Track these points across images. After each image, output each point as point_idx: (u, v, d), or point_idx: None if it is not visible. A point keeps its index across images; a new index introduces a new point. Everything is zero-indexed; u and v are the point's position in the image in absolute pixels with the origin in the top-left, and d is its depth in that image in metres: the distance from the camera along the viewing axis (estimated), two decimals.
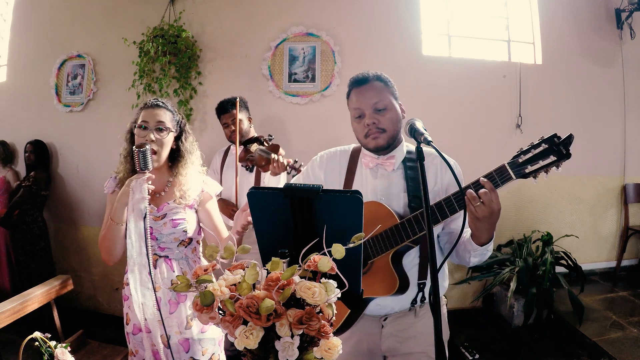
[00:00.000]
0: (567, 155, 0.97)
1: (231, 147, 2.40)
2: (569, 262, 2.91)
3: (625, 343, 2.42)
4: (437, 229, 1.24)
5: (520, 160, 1.02)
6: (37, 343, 1.09)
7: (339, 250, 0.68)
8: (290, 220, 0.80)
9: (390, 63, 3.11)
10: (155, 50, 2.89)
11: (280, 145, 2.41)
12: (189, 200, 1.42)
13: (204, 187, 1.48)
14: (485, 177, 1.05)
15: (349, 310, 1.21)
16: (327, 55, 3.13)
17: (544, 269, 2.73)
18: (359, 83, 1.26)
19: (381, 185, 1.25)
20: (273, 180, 2.16)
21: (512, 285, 2.74)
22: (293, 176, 2.02)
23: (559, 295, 2.85)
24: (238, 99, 2.28)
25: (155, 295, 1.22)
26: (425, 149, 1.28)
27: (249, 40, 3.15)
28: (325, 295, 0.66)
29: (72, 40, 3.35)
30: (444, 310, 1.33)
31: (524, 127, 3.27)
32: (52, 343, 1.11)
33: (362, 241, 0.72)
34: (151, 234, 1.34)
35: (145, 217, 1.21)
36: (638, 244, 3.57)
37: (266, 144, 2.28)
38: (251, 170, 2.31)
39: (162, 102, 1.41)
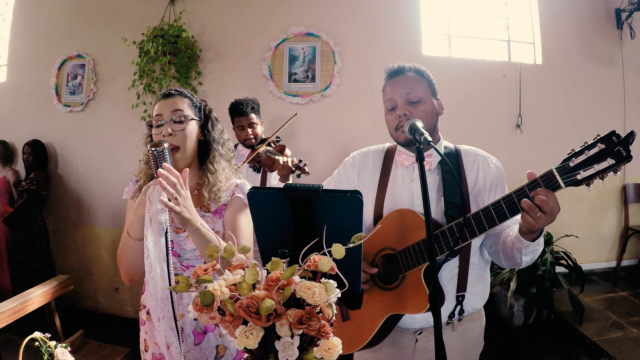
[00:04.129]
0: (628, 158, 0.82)
1: (239, 146, 2.40)
2: (569, 262, 2.90)
3: (625, 343, 2.42)
4: (479, 237, 1.10)
5: (571, 165, 0.87)
6: (37, 343, 1.09)
7: (339, 250, 0.68)
8: (290, 220, 0.80)
9: (390, 63, 3.11)
10: (155, 50, 2.89)
11: (281, 142, 2.42)
12: (220, 203, 1.17)
13: (236, 191, 1.19)
14: (527, 185, 0.92)
15: (380, 324, 1.14)
16: (327, 55, 3.13)
17: (544, 269, 2.73)
18: (394, 74, 1.20)
19: (417, 188, 1.16)
20: (277, 181, 2.16)
21: (512, 285, 2.74)
22: (298, 176, 2.02)
23: (559, 295, 2.85)
24: (254, 102, 2.32)
25: (177, 325, 1.04)
26: (465, 147, 1.24)
27: (249, 40, 3.15)
28: (325, 295, 0.65)
29: (72, 40, 3.35)
30: (482, 322, 1.26)
31: (524, 127, 3.27)
32: (52, 343, 1.11)
33: (362, 241, 0.72)
34: (172, 249, 1.13)
35: (166, 233, 1.01)
36: (638, 244, 3.57)
37: (273, 145, 2.27)
38: (258, 171, 2.29)
39: (175, 90, 1.19)
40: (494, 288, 3.00)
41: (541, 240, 1.02)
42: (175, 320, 1.04)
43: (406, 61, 1.22)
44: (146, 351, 1.22)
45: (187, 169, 1.06)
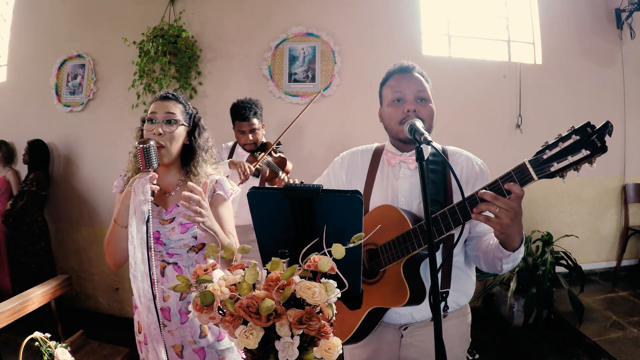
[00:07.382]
0: (603, 149, 0.82)
1: (238, 148, 2.37)
2: (569, 262, 2.91)
3: (625, 343, 2.42)
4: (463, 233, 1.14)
5: (544, 157, 0.87)
6: (37, 343, 1.09)
7: (339, 250, 0.68)
8: (290, 220, 0.80)
9: (390, 63, 3.10)
10: (155, 50, 2.89)
11: (281, 146, 2.40)
12: None
13: (216, 187, 1.32)
14: (501, 178, 0.92)
15: (362, 318, 1.15)
16: (327, 55, 3.12)
17: (544, 269, 2.73)
18: (403, 70, 1.23)
19: (402, 187, 1.19)
20: None
21: (512, 285, 2.74)
22: None
23: (559, 295, 2.85)
24: (257, 106, 2.25)
25: (156, 306, 1.10)
26: (452, 147, 1.27)
27: (249, 40, 3.15)
28: (325, 295, 0.65)
29: (72, 40, 3.35)
30: (468, 320, 1.27)
31: (524, 127, 3.27)
32: (52, 343, 1.11)
33: (362, 241, 0.72)
34: (158, 238, 1.27)
35: (148, 221, 1.12)
36: (638, 244, 3.57)
37: (274, 154, 2.24)
38: (257, 176, 2.26)
39: (173, 94, 1.32)
40: (494, 288, 3.00)
41: (522, 248, 1.04)
42: (155, 300, 1.10)
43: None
44: (140, 332, 1.33)
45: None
